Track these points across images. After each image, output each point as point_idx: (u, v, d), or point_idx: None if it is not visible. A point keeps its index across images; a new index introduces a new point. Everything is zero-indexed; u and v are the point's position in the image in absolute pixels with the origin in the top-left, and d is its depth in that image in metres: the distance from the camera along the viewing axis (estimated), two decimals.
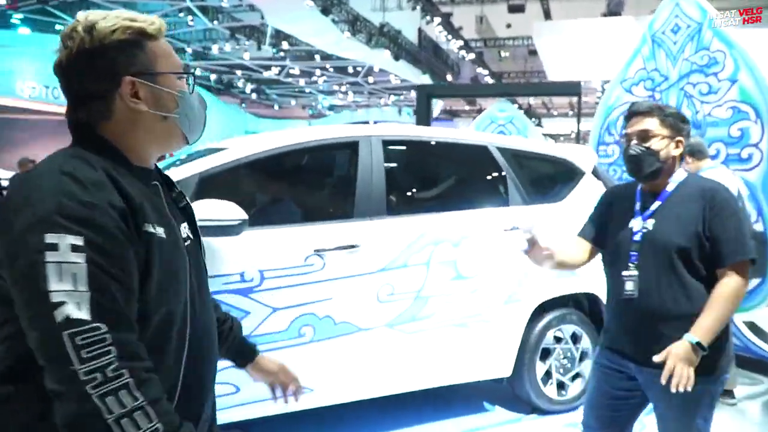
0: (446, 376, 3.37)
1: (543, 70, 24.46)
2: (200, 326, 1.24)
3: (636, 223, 2.05)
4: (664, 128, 2.02)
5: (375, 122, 34.06)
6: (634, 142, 2.03)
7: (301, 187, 3.44)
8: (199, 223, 2.56)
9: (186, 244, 1.26)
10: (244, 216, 2.64)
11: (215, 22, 20.62)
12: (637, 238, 2.04)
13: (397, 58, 20.53)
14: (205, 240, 2.60)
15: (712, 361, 1.93)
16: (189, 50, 24.21)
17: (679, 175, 2.07)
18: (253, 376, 1.65)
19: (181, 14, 19.95)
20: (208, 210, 2.57)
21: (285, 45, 21.87)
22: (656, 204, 2.04)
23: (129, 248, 1.05)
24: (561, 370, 3.67)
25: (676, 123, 2.03)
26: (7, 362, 1.05)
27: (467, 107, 31.94)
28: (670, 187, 2.05)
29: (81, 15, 1.18)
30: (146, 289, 1.09)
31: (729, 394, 3.85)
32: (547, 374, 3.65)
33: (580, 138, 10.18)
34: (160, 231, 1.14)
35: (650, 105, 2.07)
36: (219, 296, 2.68)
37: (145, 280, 1.09)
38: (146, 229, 1.10)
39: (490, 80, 27.36)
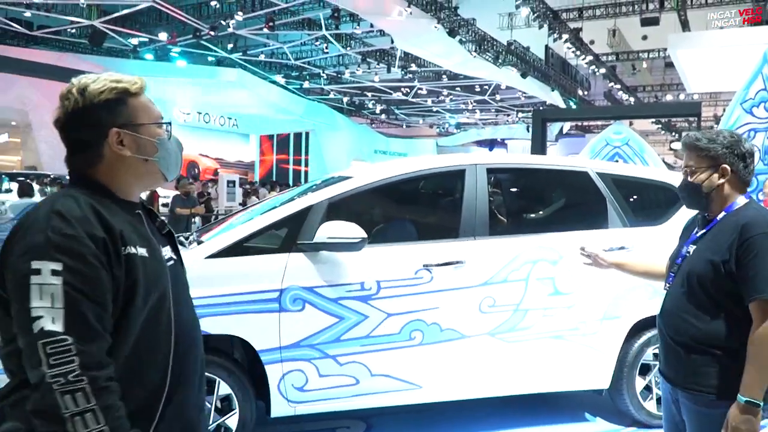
0: (544, 383, 3.66)
1: (681, 83, 23.37)
2: (184, 326, 1.47)
3: (685, 248, 2.16)
4: (703, 159, 2.06)
5: (502, 140, 33.94)
6: (683, 176, 2.15)
7: (415, 210, 3.91)
8: (326, 241, 3.11)
9: (169, 264, 1.50)
10: (364, 235, 3.14)
11: (348, 48, 21.78)
12: (678, 260, 2.16)
13: (524, 75, 20.57)
14: (332, 254, 3.14)
15: (730, 384, 1.93)
16: (324, 75, 25.78)
17: (734, 204, 2.07)
18: None
19: (317, 42, 21.27)
20: (334, 230, 3.11)
21: (413, 66, 22.63)
22: (701, 232, 2.12)
23: (103, 271, 1.27)
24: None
25: (717, 152, 2.04)
26: (23, 375, 1.25)
27: (600, 122, 31.10)
28: (720, 216, 2.08)
29: (75, 79, 1.42)
30: (135, 296, 1.33)
31: None
32: (647, 389, 3.82)
33: None
34: (142, 251, 1.37)
35: (690, 138, 2.11)
36: (343, 302, 3.21)
37: (133, 290, 1.33)
38: (127, 252, 1.33)
39: (623, 95, 26.54)
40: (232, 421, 3.19)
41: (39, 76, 19.27)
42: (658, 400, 3.81)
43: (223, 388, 3.16)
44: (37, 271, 1.22)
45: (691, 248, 2.12)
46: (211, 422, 3.15)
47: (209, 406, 3.13)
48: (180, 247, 3.36)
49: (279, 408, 3.23)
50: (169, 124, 1.51)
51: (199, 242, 3.34)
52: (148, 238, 1.43)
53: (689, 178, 2.10)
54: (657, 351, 3.75)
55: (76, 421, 1.17)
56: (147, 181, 1.50)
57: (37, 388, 1.19)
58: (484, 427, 3.89)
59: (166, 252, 1.52)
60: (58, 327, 1.20)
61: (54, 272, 1.22)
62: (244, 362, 3.31)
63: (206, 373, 3.06)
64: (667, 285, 2.19)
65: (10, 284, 1.26)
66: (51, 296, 1.21)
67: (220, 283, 3.09)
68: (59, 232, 1.25)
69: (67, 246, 1.24)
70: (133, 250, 1.34)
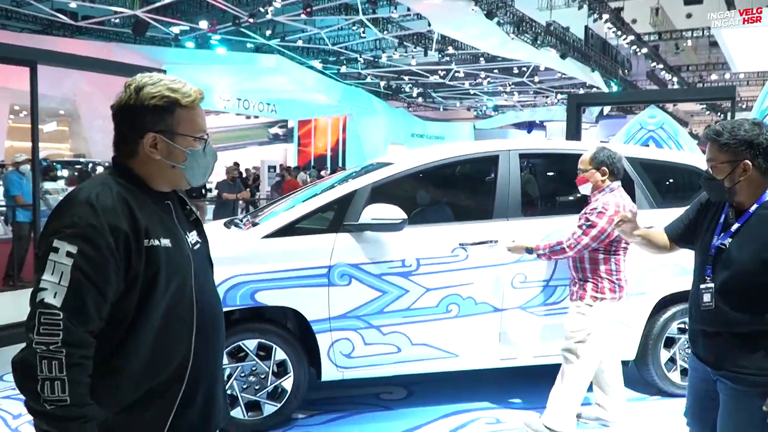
0: None
1: (726, 62, 22.81)
2: (206, 309, 1.60)
3: (715, 239, 2.10)
4: (722, 154, 2.03)
5: (541, 122, 33.62)
6: (706, 169, 2.12)
7: (451, 193, 4.19)
8: (370, 222, 3.41)
9: (196, 247, 1.64)
10: (405, 216, 3.43)
11: (385, 32, 21.86)
12: (711, 252, 2.09)
13: (564, 56, 20.36)
14: (375, 234, 3.43)
15: None
16: (361, 60, 25.96)
17: (765, 194, 2.03)
18: None
19: (354, 27, 21.43)
20: (377, 212, 3.41)
21: (450, 49, 22.60)
22: (736, 226, 2.06)
23: (113, 263, 1.41)
24: (685, 358, 4.03)
25: (737, 147, 2.01)
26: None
27: (642, 103, 30.53)
28: (753, 208, 2.03)
29: (140, 75, 1.56)
30: (156, 284, 1.46)
31: None
32: (672, 360, 4.04)
33: None
34: (165, 242, 1.50)
35: (712, 131, 2.08)
36: (385, 277, 3.52)
37: (155, 279, 1.46)
38: (150, 244, 1.46)
39: (666, 74, 26.04)
40: (288, 383, 3.55)
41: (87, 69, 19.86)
42: (683, 371, 4.03)
43: (279, 354, 3.52)
44: (56, 250, 1.37)
45: (728, 241, 2.06)
46: (269, 384, 3.52)
47: (267, 369, 3.50)
48: (235, 228, 3.72)
49: (329, 373, 3.57)
50: (206, 139, 1.61)
51: (255, 224, 3.68)
52: (173, 229, 1.56)
53: (711, 173, 2.08)
54: (681, 326, 3.99)
55: (46, 384, 1.32)
56: (171, 183, 1.61)
57: (26, 347, 1.35)
58: (516, 394, 4.17)
59: (192, 237, 1.64)
60: (56, 302, 1.35)
61: (69, 254, 1.36)
62: (296, 331, 3.66)
63: (264, 341, 3.43)
64: (707, 279, 2.11)
65: (37, 255, 1.44)
66: (60, 274, 1.36)
67: (275, 260, 3.43)
68: (85, 221, 1.39)
69: (88, 234, 1.38)
70: (155, 242, 1.47)
